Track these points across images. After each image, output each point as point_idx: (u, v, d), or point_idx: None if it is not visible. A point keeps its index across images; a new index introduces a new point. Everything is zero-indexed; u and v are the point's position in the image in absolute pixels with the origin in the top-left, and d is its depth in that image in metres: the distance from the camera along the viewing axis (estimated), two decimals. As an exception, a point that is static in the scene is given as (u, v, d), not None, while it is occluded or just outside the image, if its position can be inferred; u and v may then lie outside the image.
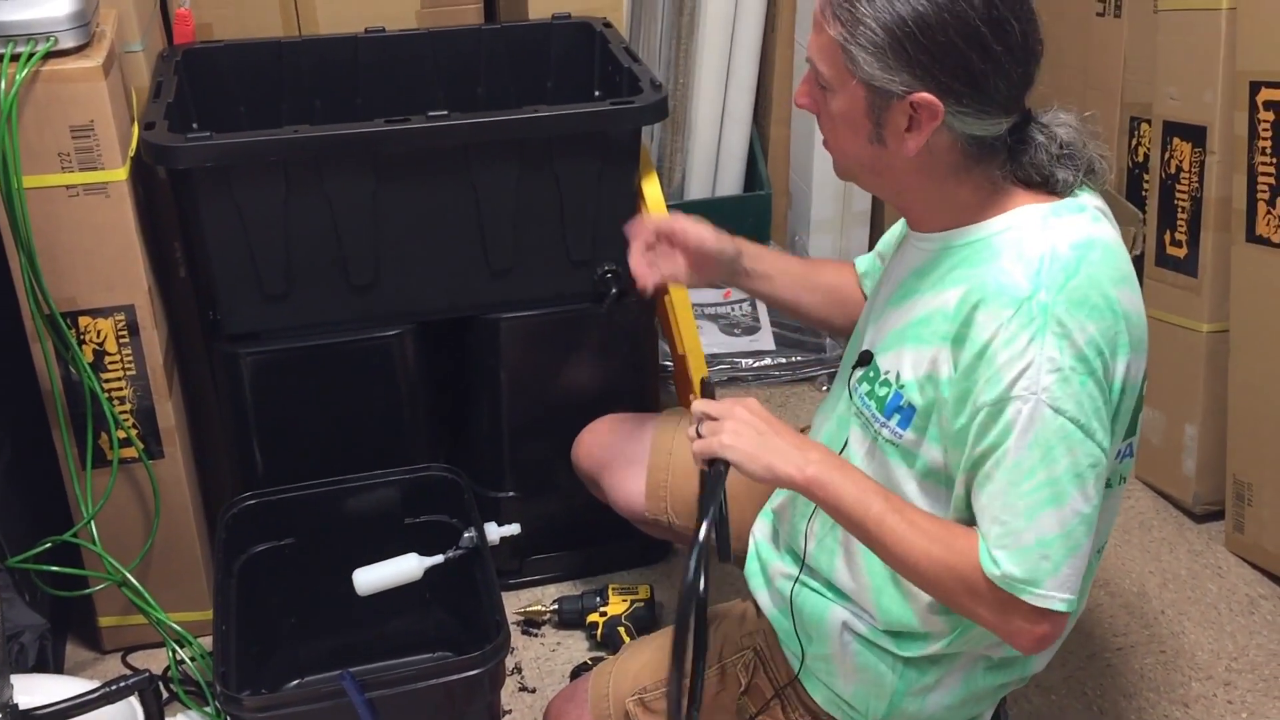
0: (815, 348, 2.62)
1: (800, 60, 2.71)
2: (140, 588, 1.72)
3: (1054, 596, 1.17)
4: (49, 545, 1.68)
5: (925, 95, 1.17)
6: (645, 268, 1.54)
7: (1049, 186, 1.26)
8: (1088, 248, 1.20)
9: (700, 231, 1.56)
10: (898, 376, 1.28)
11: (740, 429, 1.25)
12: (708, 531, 1.22)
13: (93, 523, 1.70)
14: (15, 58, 1.50)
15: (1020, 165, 1.25)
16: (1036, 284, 1.17)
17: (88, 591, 1.76)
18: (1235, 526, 2.06)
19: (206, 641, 1.74)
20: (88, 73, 1.54)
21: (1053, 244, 1.20)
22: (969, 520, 1.25)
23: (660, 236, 1.57)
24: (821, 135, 1.32)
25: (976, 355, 1.18)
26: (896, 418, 1.28)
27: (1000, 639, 1.26)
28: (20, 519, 1.74)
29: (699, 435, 1.27)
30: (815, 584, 1.41)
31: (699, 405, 1.29)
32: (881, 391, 1.31)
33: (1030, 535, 1.16)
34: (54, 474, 1.73)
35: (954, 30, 1.15)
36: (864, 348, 1.36)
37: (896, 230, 1.50)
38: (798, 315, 1.66)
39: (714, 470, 1.25)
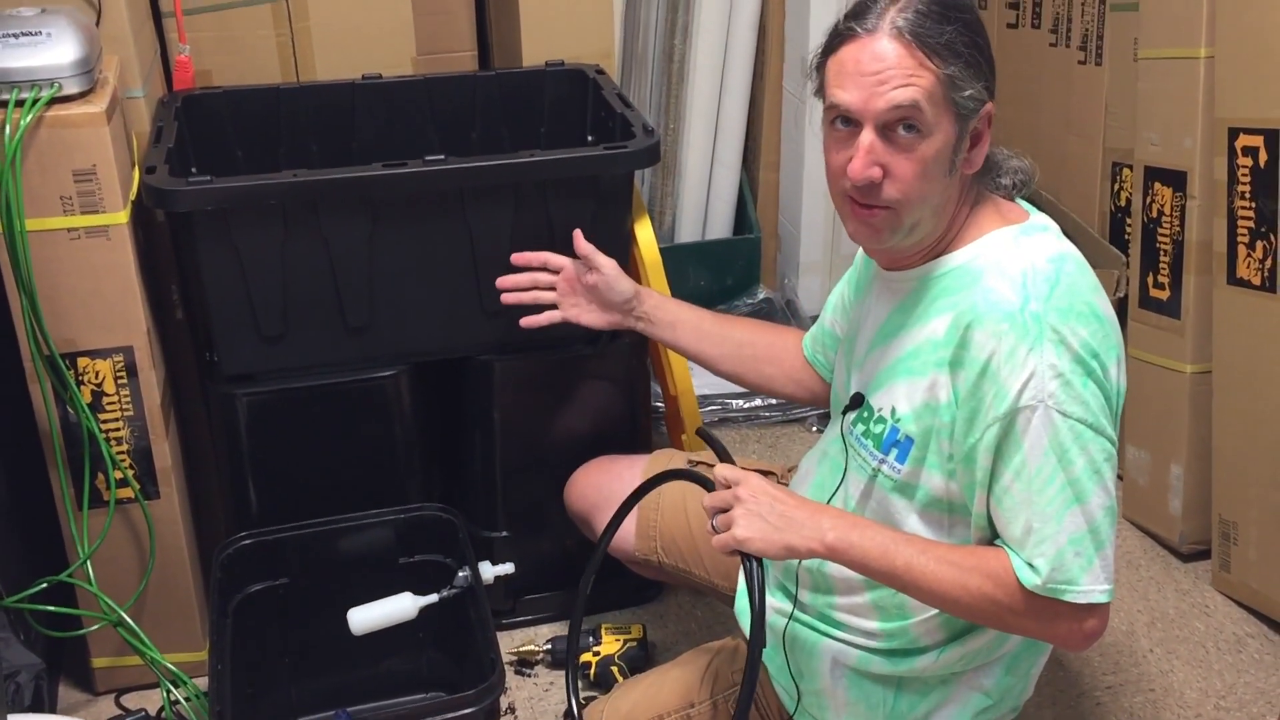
0: (805, 389, 2.64)
1: (789, 105, 2.75)
2: (136, 628, 1.73)
3: (1093, 590, 1.21)
4: (45, 585, 1.69)
5: (991, 104, 1.25)
6: (541, 320, 1.70)
7: (1001, 189, 1.33)
8: (1062, 260, 1.26)
9: (604, 260, 1.69)
10: (893, 411, 1.31)
11: (750, 518, 1.26)
12: (756, 631, 1.26)
13: (88, 563, 1.71)
14: (20, 103, 1.53)
15: (987, 168, 1.32)
16: (1025, 296, 1.21)
17: (83, 632, 1.76)
18: (1222, 565, 2.08)
19: (201, 682, 1.74)
20: (91, 118, 1.56)
21: (1030, 259, 1.25)
22: (991, 538, 1.28)
23: (562, 275, 1.70)
24: (884, 202, 1.25)
25: (979, 373, 1.22)
26: (894, 452, 1.31)
27: (1040, 644, 1.34)
28: (16, 559, 1.74)
29: (714, 530, 1.30)
30: (807, 618, 1.43)
31: (708, 501, 1.32)
32: (877, 429, 1.33)
33: (1062, 537, 1.20)
34: (50, 514, 1.74)
35: (987, 37, 1.25)
36: (853, 391, 1.39)
37: (845, 291, 1.55)
38: (705, 365, 1.69)
39: (748, 567, 1.27)
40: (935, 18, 1.20)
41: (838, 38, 1.25)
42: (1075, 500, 1.20)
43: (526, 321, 1.73)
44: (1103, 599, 1.22)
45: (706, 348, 1.68)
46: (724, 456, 1.39)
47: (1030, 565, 1.21)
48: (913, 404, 1.28)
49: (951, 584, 1.24)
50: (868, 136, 1.22)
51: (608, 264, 1.70)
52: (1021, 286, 1.22)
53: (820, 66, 1.27)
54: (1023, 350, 1.19)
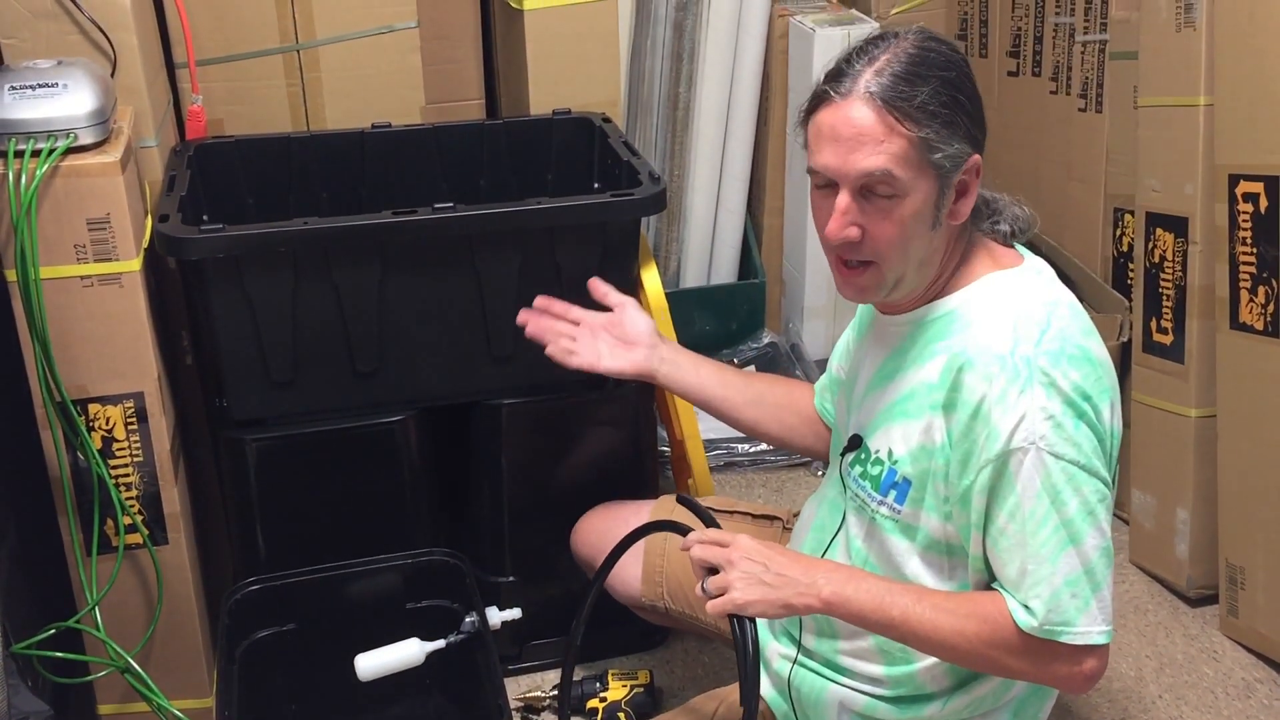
0: (810, 433, 2.64)
1: (792, 151, 2.78)
2: (143, 674, 1.72)
3: (1091, 631, 1.21)
4: (53, 631, 1.69)
5: (976, 157, 1.25)
6: (563, 354, 1.65)
7: (998, 235, 1.34)
8: (1055, 305, 1.27)
9: (623, 297, 1.67)
10: (889, 454, 1.32)
11: (746, 580, 1.28)
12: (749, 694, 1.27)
13: (96, 609, 1.71)
14: (36, 153, 1.55)
15: (986, 214, 1.33)
16: (1015, 340, 1.23)
17: (90, 678, 1.76)
18: (1229, 610, 2.08)
19: (208, 728, 1.74)
20: (106, 168, 1.58)
21: (1022, 304, 1.27)
22: (989, 580, 1.28)
23: (582, 325, 1.67)
24: (866, 257, 1.27)
25: (971, 416, 1.23)
26: (893, 494, 1.32)
27: (1043, 688, 1.33)
28: (24, 604, 1.74)
29: (705, 591, 1.30)
30: (813, 664, 1.43)
31: (697, 554, 1.33)
32: (874, 470, 1.34)
33: (1058, 578, 1.21)
34: (58, 560, 1.74)
35: (972, 91, 1.25)
36: (851, 432, 1.40)
37: (850, 336, 1.56)
38: (727, 414, 1.67)
39: (736, 628, 1.28)
40: (910, 80, 1.21)
41: (816, 100, 1.27)
42: (1070, 542, 1.20)
43: (551, 352, 1.67)
44: (1101, 640, 1.22)
45: (731, 394, 1.64)
46: (709, 522, 1.40)
47: (1026, 607, 1.22)
48: (909, 446, 1.30)
49: (949, 631, 1.25)
50: (844, 199, 1.24)
51: (627, 300, 1.69)
52: (1012, 330, 1.24)
53: (803, 124, 1.30)
54: (1013, 393, 1.20)
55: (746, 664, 1.28)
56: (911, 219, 1.24)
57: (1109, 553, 1.23)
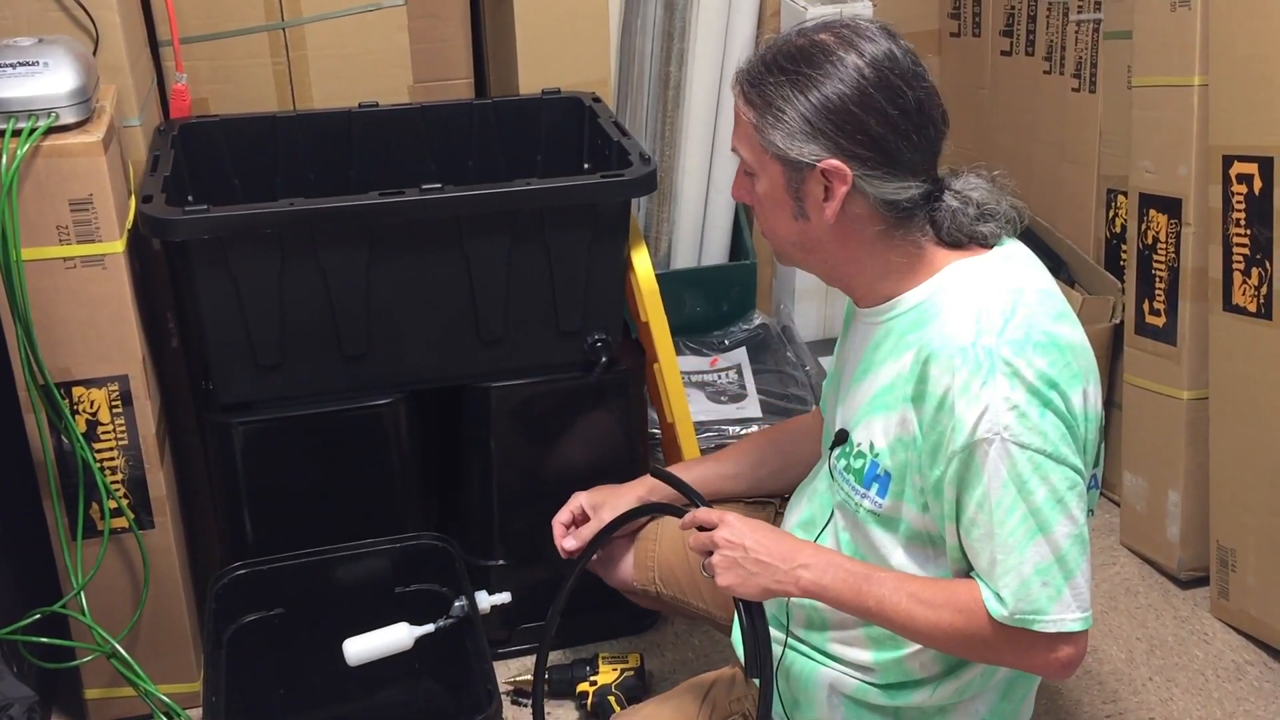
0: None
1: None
2: (129, 659, 1.71)
3: (1064, 619, 1.21)
4: (37, 616, 1.67)
5: (832, 162, 1.24)
6: (574, 544, 1.66)
7: (977, 241, 1.32)
8: (1021, 291, 1.26)
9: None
10: (871, 446, 1.32)
11: (727, 564, 1.31)
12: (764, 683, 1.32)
13: (82, 594, 1.70)
14: (17, 133, 1.53)
15: (941, 229, 1.31)
16: (978, 330, 1.22)
17: (76, 663, 1.75)
18: (1220, 592, 2.08)
19: (195, 714, 1.73)
20: (88, 148, 1.56)
21: (986, 293, 1.26)
22: (967, 569, 1.28)
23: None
24: (759, 225, 1.38)
25: (937, 407, 1.23)
26: (875, 487, 1.32)
27: (1026, 674, 1.34)
28: (9, 590, 1.73)
29: (704, 572, 1.35)
30: (802, 647, 1.43)
31: (693, 543, 1.35)
32: (858, 464, 1.34)
33: (1027, 567, 1.20)
34: (43, 544, 1.73)
35: (851, 100, 1.23)
36: (838, 427, 1.40)
37: (841, 330, 1.56)
38: (749, 497, 1.67)
39: (741, 608, 1.34)
40: (767, 67, 1.27)
41: None
42: (1039, 530, 1.20)
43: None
44: (1076, 627, 1.22)
45: (742, 486, 1.65)
46: (693, 497, 1.43)
47: (998, 596, 1.22)
48: (888, 439, 1.30)
49: (924, 621, 1.26)
50: (739, 167, 1.34)
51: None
52: (975, 321, 1.23)
53: None
54: (976, 384, 1.20)
55: (758, 647, 1.32)
56: (766, 199, 1.31)
57: (1083, 539, 1.22)
